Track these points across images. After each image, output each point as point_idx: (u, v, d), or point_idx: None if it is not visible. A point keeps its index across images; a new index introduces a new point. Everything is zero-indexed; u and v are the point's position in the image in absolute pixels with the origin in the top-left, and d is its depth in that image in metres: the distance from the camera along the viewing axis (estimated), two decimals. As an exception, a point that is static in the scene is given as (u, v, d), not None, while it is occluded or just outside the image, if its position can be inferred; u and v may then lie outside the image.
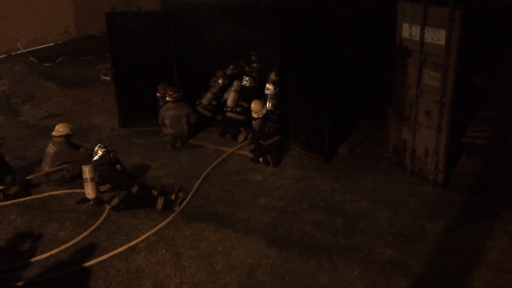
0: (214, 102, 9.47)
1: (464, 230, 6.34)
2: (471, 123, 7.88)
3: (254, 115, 8.12)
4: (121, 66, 9.45)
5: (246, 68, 10.16)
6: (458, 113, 6.94)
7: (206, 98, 9.42)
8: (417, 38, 6.84)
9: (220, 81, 9.57)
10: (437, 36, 6.58)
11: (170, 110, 8.82)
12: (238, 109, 9.09)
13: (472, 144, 7.80)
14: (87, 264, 5.90)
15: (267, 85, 9.07)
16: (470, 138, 7.78)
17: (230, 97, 9.11)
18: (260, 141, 8.03)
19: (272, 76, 9.23)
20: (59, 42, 16.80)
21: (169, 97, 8.81)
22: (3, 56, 15.20)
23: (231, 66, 10.03)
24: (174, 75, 9.38)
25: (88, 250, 6.20)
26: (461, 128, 7.62)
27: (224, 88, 9.56)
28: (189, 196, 7.24)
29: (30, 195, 7.42)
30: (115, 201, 6.87)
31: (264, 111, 8.10)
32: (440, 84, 6.74)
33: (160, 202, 6.90)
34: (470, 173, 7.51)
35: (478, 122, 7.88)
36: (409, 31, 6.95)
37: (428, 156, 7.24)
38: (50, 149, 7.74)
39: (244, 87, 9.19)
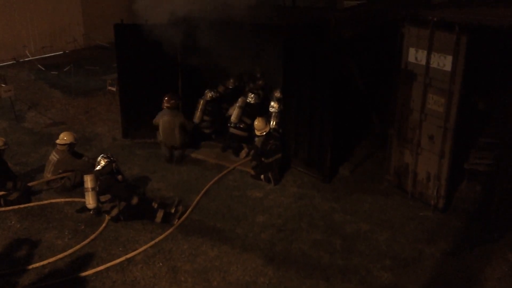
0: (206, 118, 9.51)
1: (463, 256, 6.30)
2: (473, 149, 7.91)
3: (257, 133, 8.16)
4: (126, 77, 9.54)
5: (251, 85, 10.24)
6: (461, 138, 6.96)
7: (197, 117, 9.47)
8: (423, 62, 6.89)
9: (209, 95, 9.62)
10: (443, 62, 6.64)
11: (165, 116, 8.74)
12: (241, 125, 9.14)
13: (473, 171, 7.81)
14: (83, 273, 5.88)
15: (272, 103, 9.12)
16: (472, 164, 7.80)
17: (234, 113, 9.17)
18: (262, 159, 8.05)
19: (277, 94, 9.30)
20: (67, 51, 16.97)
21: (166, 103, 8.74)
22: (11, 62, 15.34)
23: (231, 80, 10.12)
24: (179, 88, 9.46)
25: (85, 259, 6.17)
26: (462, 153, 7.63)
27: (212, 101, 9.59)
28: (189, 210, 7.24)
29: (30, 201, 7.43)
30: (114, 212, 6.87)
31: (267, 129, 8.14)
32: (444, 109, 6.77)
33: (159, 214, 6.89)
34: (471, 199, 7.50)
35: (480, 149, 7.90)
36: (415, 55, 7.00)
37: (429, 180, 7.24)
38: (53, 156, 7.77)
39: (248, 103, 9.26)
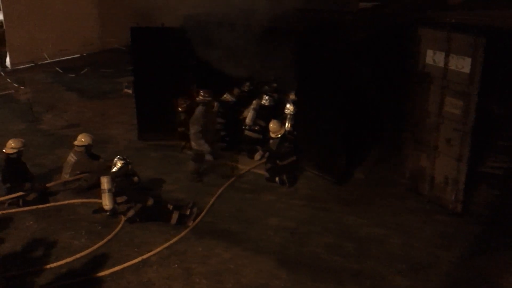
0: (220, 120, 9.50)
1: (479, 261, 6.21)
2: (490, 152, 7.82)
3: (272, 135, 8.16)
4: (142, 80, 9.63)
5: (265, 87, 10.24)
6: (478, 141, 6.88)
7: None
8: (441, 64, 6.82)
9: (227, 98, 9.59)
10: (461, 64, 6.56)
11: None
12: (255, 128, 9.15)
13: (490, 174, 7.72)
14: (99, 274, 5.93)
15: (287, 105, 9.11)
16: (489, 168, 7.71)
17: (248, 116, 9.18)
18: (277, 161, 8.05)
19: (292, 96, 9.28)
20: (84, 54, 17.20)
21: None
22: (29, 65, 15.60)
23: (247, 83, 10.14)
24: (193, 90, 9.50)
25: (100, 260, 6.23)
26: (479, 156, 7.54)
27: (225, 103, 9.56)
28: (203, 212, 7.26)
29: (48, 202, 7.53)
30: (130, 213, 6.94)
31: (282, 131, 8.14)
32: (462, 112, 6.70)
33: (174, 216, 6.93)
34: (488, 204, 7.40)
35: (497, 152, 7.81)
36: (432, 57, 6.94)
37: (447, 184, 7.14)
38: (71, 158, 7.87)
39: (262, 106, 9.26)
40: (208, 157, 8.16)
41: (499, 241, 6.59)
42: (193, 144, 8.12)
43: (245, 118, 9.38)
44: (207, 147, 8.01)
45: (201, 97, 8.18)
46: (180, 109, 9.27)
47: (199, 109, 8.12)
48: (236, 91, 10.00)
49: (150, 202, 6.97)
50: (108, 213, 7.13)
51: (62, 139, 9.95)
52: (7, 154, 7.51)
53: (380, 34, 8.57)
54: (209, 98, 8.19)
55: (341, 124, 7.78)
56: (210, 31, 9.23)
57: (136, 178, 7.21)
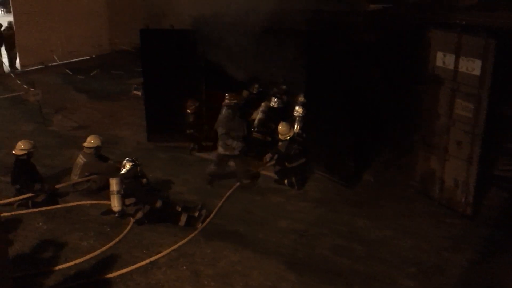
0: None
1: (490, 265, 6.16)
2: (501, 155, 7.75)
3: (281, 137, 8.14)
4: (151, 81, 9.66)
5: (274, 89, 10.23)
6: (489, 144, 6.82)
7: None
8: (451, 67, 6.79)
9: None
10: (471, 66, 6.53)
11: None
12: (264, 130, 9.14)
13: (501, 177, 7.65)
14: (108, 275, 5.94)
15: (296, 107, 9.09)
16: (499, 170, 7.64)
17: (257, 118, 9.18)
18: (285, 163, 8.03)
19: (301, 99, 9.26)
20: (93, 56, 17.31)
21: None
22: (39, 66, 15.72)
23: (255, 85, 10.14)
24: (202, 92, 9.53)
25: (108, 261, 6.24)
26: (489, 159, 7.48)
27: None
28: (212, 214, 7.26)
29: (57, 203, 7.56)
30: (139, 215, 6.95)
31: (291, 134, 8.12)
32: (473, 114, 6.65)
33: (183, 218, 6.93)
34: (498, 206, 7.34)
35: (508, 155, 7.74)
36: (443, 59, 6.91)
37: (457, 187, 7.09)
38: (80, 159, 7.91)
39: (271, 108, 9.25)
40: (231, 163, 8.19)
41: (509, 244, 6.53)
42: (219, 148, 8.05)
43: (254, 120, 9.37)
44: (237, 143, 7.93)
45: (226, 101, 8.13)
46: (189, 110, 9.29)
47: (223, 113, 8.09)
48: (245, 93, 10.01)
49: (159, 203, 6.98)
50: (116, 215, 7.14)
51: (71, 140, 10.01)
52: (17, 156, 7.55)
53: (390, 36, 8.54)
54: (235, 101, 8.11)
55: (350, 126, 7.75)
56: (219, 33, 9.24)
57: (145, 180, 7.22)
